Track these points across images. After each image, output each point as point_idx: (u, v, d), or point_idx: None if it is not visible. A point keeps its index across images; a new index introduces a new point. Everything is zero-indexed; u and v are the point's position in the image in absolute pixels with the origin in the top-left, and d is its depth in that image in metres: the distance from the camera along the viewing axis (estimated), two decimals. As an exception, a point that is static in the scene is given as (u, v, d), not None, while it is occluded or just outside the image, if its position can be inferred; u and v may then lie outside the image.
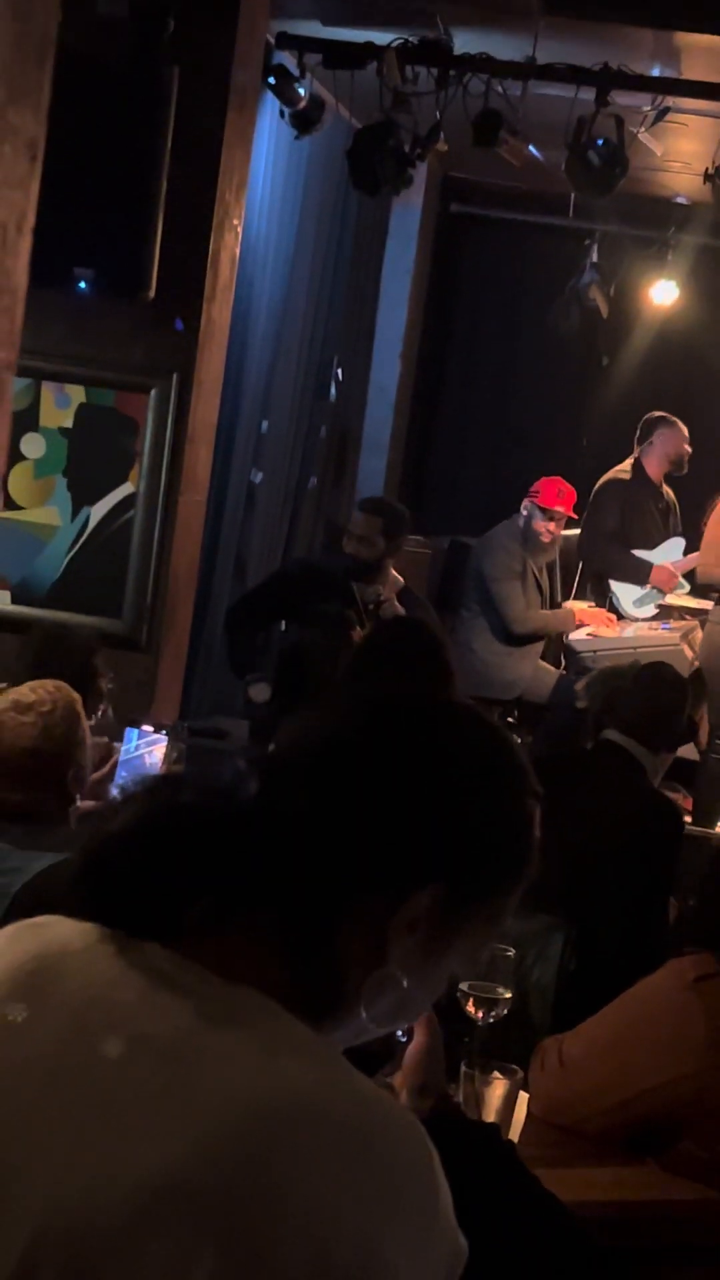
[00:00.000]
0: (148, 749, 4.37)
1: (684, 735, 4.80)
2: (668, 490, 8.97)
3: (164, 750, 4.40)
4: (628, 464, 8.88)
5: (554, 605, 8.18)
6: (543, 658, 8.06)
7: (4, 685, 3.96)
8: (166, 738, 4.37)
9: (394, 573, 6.98)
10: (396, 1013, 1.44)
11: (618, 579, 8.71)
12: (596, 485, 8.86)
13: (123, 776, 4.31)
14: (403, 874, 1.40)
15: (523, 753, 1.54)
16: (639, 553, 8.68)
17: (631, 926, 4.21)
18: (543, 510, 7.82)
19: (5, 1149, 1.25)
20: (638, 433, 8.87)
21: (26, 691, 3.62)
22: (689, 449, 8.81)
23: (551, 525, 7.86)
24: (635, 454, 8.89)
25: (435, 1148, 1.30)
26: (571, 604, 8.45)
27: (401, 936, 1.39)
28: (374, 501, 7.18)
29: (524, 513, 7.88)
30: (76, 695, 3.67)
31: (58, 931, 1.39)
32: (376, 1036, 1.47)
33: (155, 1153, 1.20)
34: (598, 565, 8.84)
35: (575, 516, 8.18)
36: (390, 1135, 1.26)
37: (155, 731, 4.35)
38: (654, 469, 8.83)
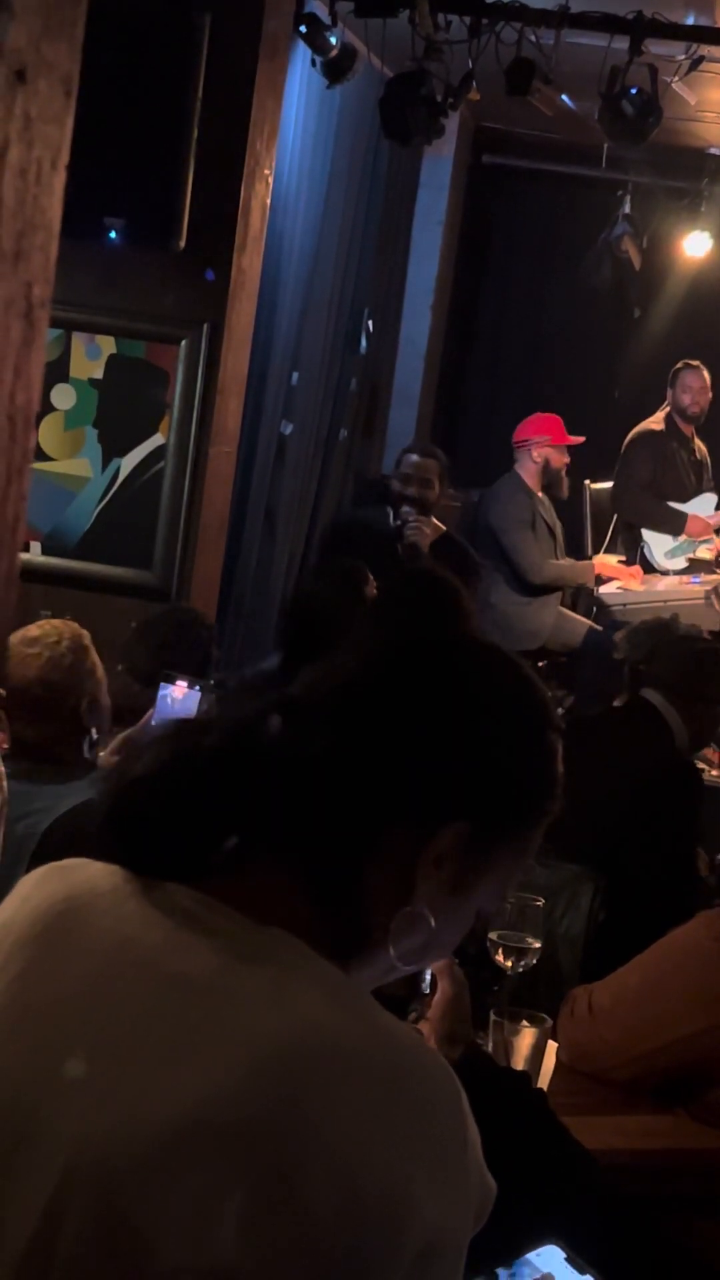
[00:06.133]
0: (180, 701, 4.37)
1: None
2: (700, 444, 8.93)
3: (196, 703, 4.41)
4: (659, 415, 8.84)
5: (571, 553, 8.16)
6: (572, 608, 8.05)
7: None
8: (199, 691, 4.37)
9: (434, 519, 7.06)
10: (425, 950, 1.43)
11: (652, 529, 8.68)
12: (628, 437, 8.82)
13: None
14: (428, 810, 1.39)
15: (544, 686, 1.54)
16: (672, 504, 8.65)
17: (654, 884, 4.22)
18: (560, 449, 7.84)
19: (38, 1087, 1.26)
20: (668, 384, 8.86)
21: (33, 629, 3.76)
22: (705, 396, 8.76)
23: (566, 458, 7.90)
24: (666, 406, 8.85)
25: (465, 1092, 1.30)
26: (600, 558, 8.41)
27: (428, 873, 1.39)
28: (423, 445, 7.36)
29: (537, 460, 7.84)
30: (84, 631, 3.81)
31: (85, 874, 1.40)
32: (404, 975, 1.47)
33: (185, 1090, 1.21)
34: (630, 516, 8.80)
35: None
36: (418, 1072, 1.26)
37: (190, 687, 4.35)
38: (680, 420, 8.81)
